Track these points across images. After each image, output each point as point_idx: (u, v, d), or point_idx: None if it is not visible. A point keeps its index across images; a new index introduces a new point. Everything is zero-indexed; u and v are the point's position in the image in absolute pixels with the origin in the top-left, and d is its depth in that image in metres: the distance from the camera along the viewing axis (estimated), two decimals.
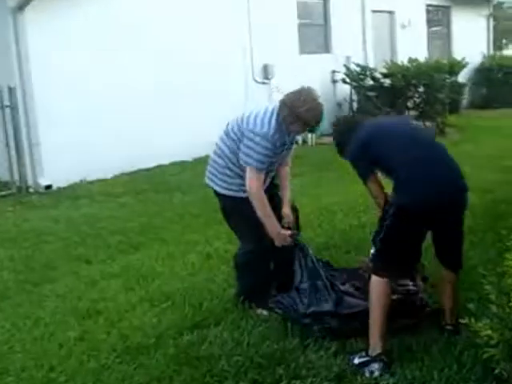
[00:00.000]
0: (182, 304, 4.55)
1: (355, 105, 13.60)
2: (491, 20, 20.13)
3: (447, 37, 18.00)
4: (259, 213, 4.08)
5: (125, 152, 9.66)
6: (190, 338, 3.98)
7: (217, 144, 4.33)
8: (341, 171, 9.03)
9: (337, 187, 8.40)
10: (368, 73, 12.97)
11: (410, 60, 13.11)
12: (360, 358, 3.63)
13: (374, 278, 3.75)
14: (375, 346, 3.63)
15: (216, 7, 11.16)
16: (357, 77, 13.03)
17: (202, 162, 10.68)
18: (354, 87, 13.39)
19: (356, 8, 14.17)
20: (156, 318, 4.37)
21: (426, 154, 3.80)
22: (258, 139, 4.01)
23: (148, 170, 10.18)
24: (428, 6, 16.80)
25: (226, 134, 4.25)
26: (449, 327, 3.92)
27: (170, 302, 4.61)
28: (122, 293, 4.95)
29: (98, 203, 8.34)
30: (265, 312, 4.32)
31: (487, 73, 17.90)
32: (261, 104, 12.05)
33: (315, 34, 13.55)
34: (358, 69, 13.03)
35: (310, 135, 12.35)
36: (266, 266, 4.45)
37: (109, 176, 9.67)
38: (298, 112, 4.01)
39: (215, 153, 4.33)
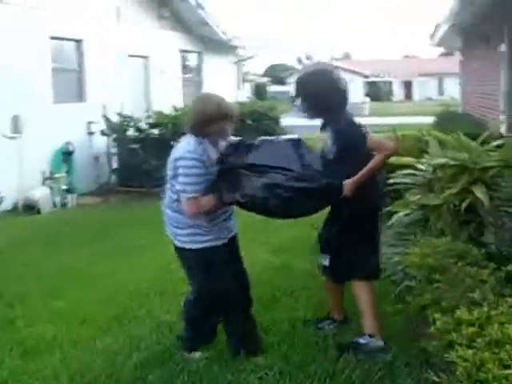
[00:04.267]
0: None
1: (116, 158, 12.32)
2: (239, 67, 20.22)
3: (199, 83, 17.49)
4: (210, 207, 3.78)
5: None
6: None
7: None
8: (118, 239, 7.92)
9: (128, 260, 7.08)
10: (132, 123, 11.75)
11: (176, 109, 12.22)
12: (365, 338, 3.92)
13: (362, 283, 3.94)
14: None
15: None
16: (119, 128, 11.75)
17: None
18: (115, 139, 12.10)
19: (111, 52, 12.87)
20: None
21: None
22: (181, 162, 3.69)
23: None
24: (182, 51, 16.16)
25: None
26: None
27: None
28: None
29: None
30: (197, 354, 4.15)
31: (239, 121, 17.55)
32: (10, 164, 10.32)
33: (70, 80, 12.03)
34: (120, 119, 11.77)
35: (69, 196, 11.10)
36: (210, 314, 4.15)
37: None
38: (210, 113, 3.72)
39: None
